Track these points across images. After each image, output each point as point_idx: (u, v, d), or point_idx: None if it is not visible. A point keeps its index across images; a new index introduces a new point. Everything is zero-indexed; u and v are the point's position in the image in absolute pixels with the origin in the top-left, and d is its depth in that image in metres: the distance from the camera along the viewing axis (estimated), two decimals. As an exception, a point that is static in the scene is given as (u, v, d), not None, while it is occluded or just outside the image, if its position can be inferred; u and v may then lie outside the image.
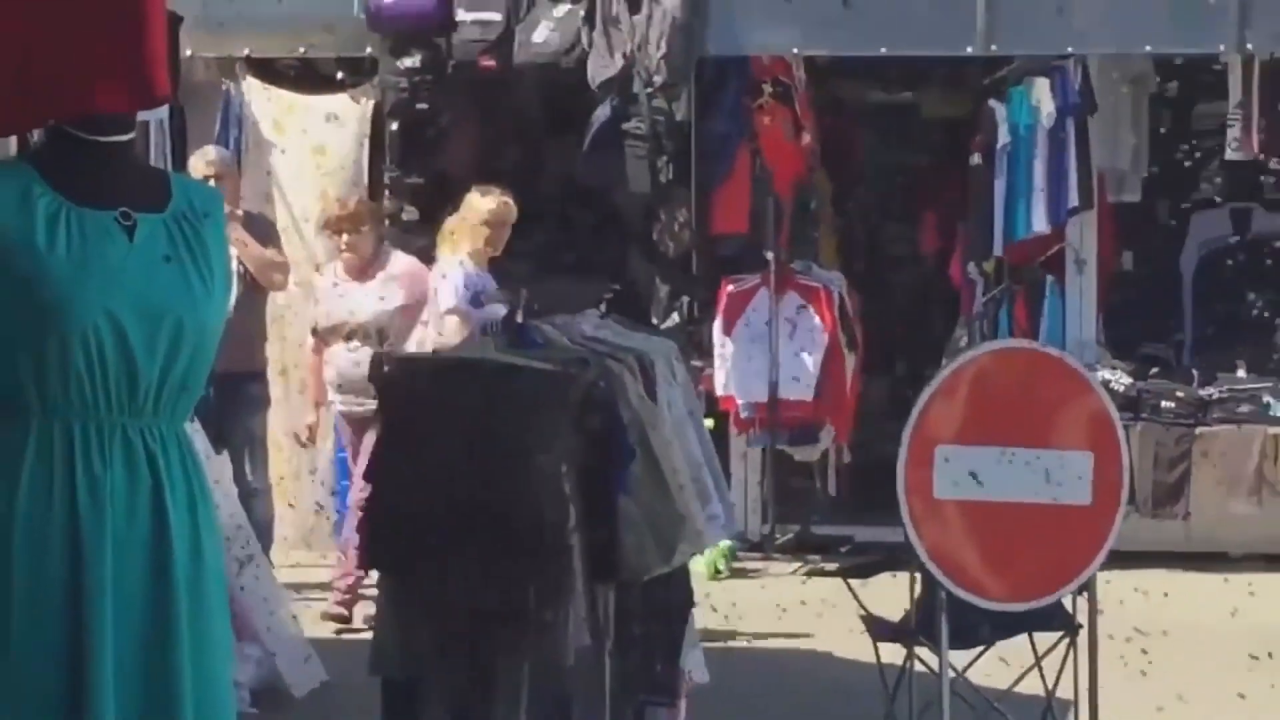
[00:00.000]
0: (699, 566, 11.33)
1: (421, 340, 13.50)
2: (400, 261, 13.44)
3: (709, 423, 12.09)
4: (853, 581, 10.38)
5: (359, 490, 11.53)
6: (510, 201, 13.89)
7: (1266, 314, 15.92)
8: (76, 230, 5.38)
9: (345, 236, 13.27)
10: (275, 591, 11.07)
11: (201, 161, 13.31)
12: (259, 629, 10.32)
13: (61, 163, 5.48)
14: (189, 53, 12.80)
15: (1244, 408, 15.13)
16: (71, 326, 5.34)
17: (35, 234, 5.34)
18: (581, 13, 15.32)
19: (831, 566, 12.60)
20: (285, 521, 14.10)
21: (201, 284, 5.58)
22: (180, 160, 14.14)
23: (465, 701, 8.11)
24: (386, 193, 15.71)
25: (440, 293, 13.44)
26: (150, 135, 13.28)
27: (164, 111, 12.64)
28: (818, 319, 15.18)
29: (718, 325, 15.36)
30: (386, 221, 15.68)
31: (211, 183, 11.34)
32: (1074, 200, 15.62)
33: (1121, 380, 14.72)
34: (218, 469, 10.87)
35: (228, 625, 5.79)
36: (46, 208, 5.37)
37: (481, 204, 13.78)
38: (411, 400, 8.45)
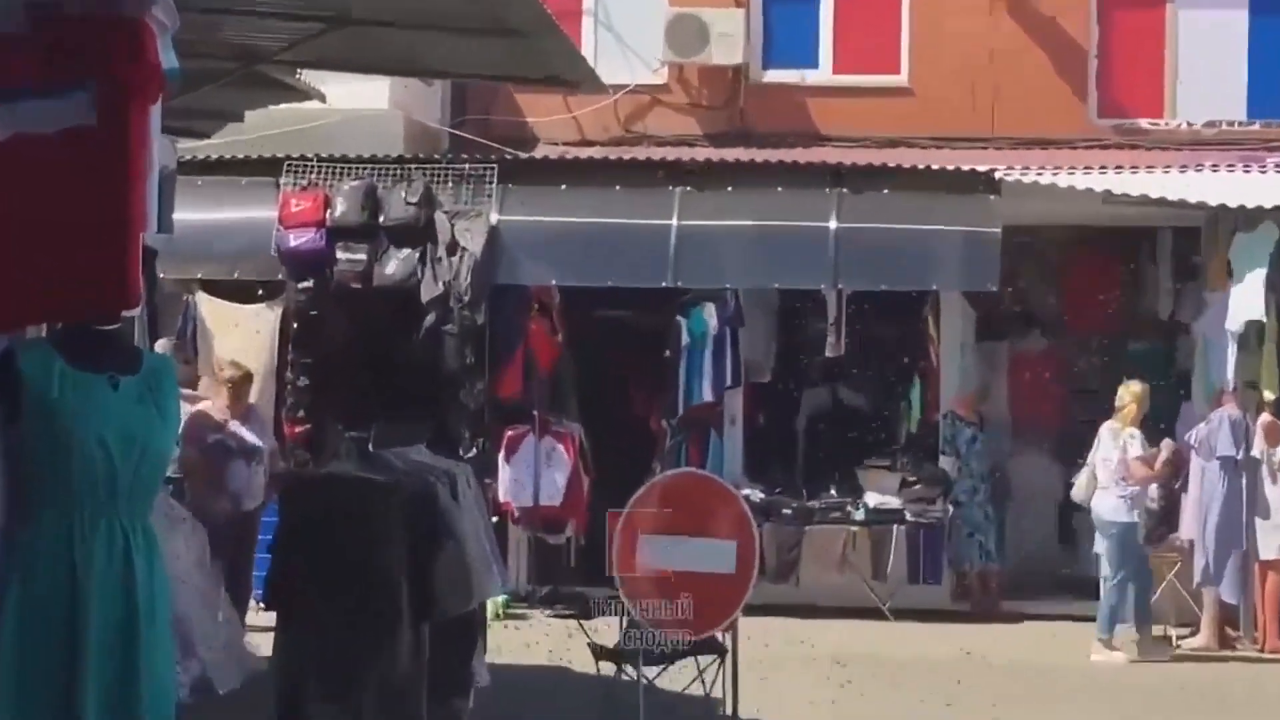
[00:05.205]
0: (490, 611, 11.07)
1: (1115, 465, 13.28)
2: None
3: (495, 519, 12.56)
4: (584, 621, 10.39)
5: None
6: (1138, 388, 13.71)
7: (849, 454, 16.08)
8: (79, 386, 5.43)
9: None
10: (213, 617, 10.14)
11: (160, 345, 12.74)
12: (196, 645, 9.84)
13: (71, 342, 5.54)
14: (161, 275, 12.32)
15: (834, 514, 15.25)
16: (73, 447, 5.38)
17: (51, 388, 5.39)
18: (417, 255, 15.20)
19: (570, 611, 12.13)
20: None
21: (160, 420, 5.62)
22: (150, 342, 13.39)
23: (334, 696, 7.90)
24: (289, 368, 15.44)
25: (1130, 446, 13.38)
26: (135, 326, 12.76)
27: (140, 311, 12.22)
28: (565, 453, 15.12)
29: (501, 456, 15.13)
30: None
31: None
32: (729, 380, 15.72)
33: (757, 495, 14.69)
34: (201, 538, 10.28)
35: (171, 637, 5.75)
36: (60, 371, 5.40)
37: (1135, 388, 13.70)
38: (301, 502, 8.39)
